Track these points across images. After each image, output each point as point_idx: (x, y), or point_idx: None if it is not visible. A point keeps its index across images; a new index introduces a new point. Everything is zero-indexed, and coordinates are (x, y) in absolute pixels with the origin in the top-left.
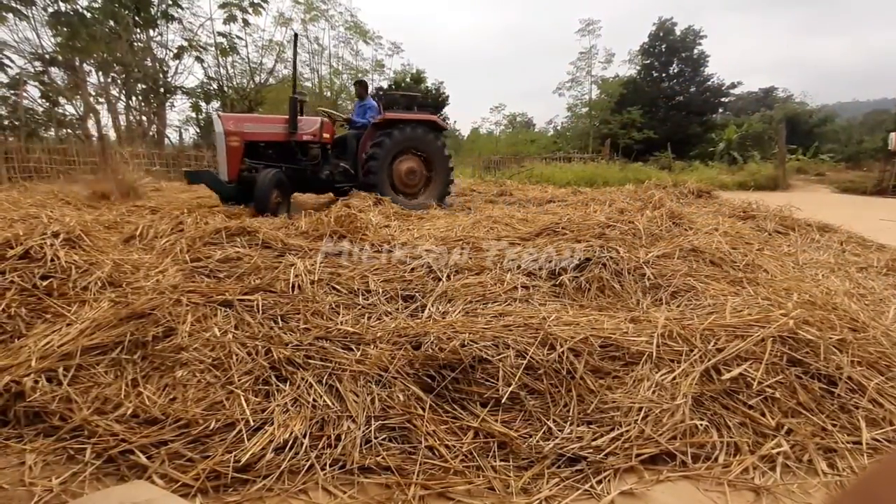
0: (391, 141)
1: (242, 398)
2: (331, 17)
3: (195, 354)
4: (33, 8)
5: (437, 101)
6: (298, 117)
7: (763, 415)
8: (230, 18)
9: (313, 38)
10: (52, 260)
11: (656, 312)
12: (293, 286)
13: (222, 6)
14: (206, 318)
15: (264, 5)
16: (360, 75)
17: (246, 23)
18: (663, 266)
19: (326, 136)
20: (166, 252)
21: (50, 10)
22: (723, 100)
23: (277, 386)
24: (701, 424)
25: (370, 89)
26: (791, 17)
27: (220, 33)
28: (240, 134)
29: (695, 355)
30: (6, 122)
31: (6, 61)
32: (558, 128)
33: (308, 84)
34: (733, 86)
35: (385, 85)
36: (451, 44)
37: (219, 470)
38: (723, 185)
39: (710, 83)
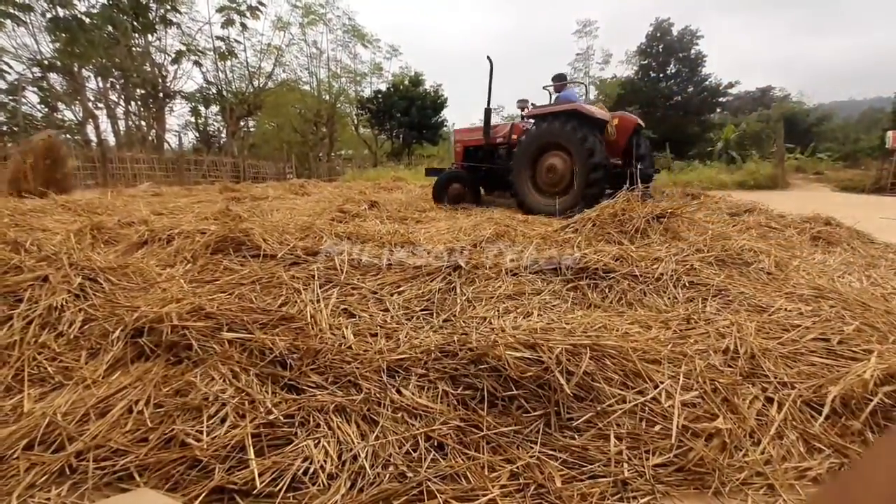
0: (527, 137)
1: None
2: (329, 21)
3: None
4: (32, 14)
5: (435, 104)
6: (495, 123)
7: None
8: (228, 23)
9: (311, 41)
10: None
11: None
12: (312, 318)
13: (220, 10)
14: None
15: (262, 9)
16: (358, 78)
17: (244, 27)
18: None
19: (515, 137)
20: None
21: (48, 15)
22: (720, 99)
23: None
24: None
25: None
26: (787, 17)
27: (218, 37)
28: (461, 141)
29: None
30: (5, 128)
31: (5, 67)
32: None
33: (307, 87)
34: (731, 85)
35: (384, 87)
36: (449, 46)
37: (223, 487)
38: (722, 185)
39: (707, 83)
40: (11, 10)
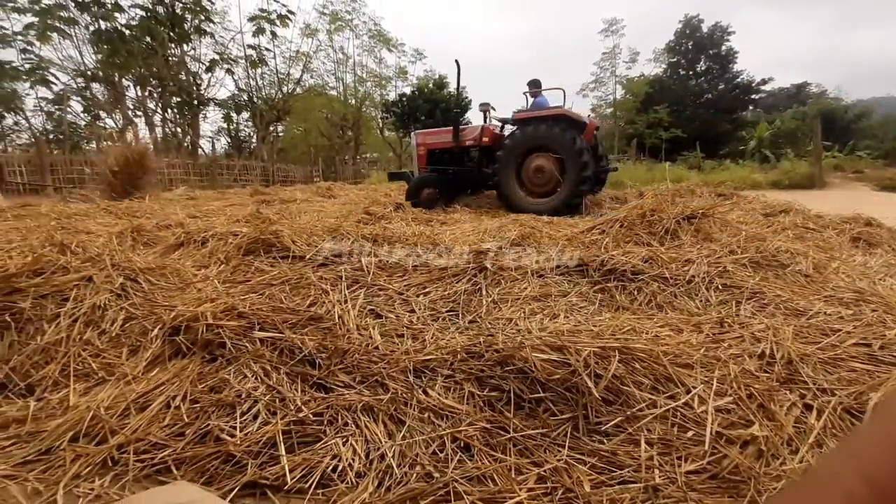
0: (513, 140)
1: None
2: (355, 26)
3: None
4: (76, 27)
5: (459, 106)
6: (464, 126)
7: None
8: (259, 31)
9: (338, 47)
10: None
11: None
12: (340, 318)
13: (251, 19)
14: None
15: (291, 17)
16: (383, 82)
17: (274, 35)
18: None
19: (486, 140)
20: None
21: (91, 28)
22: (753, 97)
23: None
24: None
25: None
26: (824, 11)
27: (249, 46)
28: (424, 144)
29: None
30: (52, 136)
31: (51, 78)
32: None
33: (333, 92)
34: (764, 82)
35: (408, 91)
36: (472, 49)
37: (256, 481)
38: (755, 184)
39: (739, 80)
40: (58, 24)
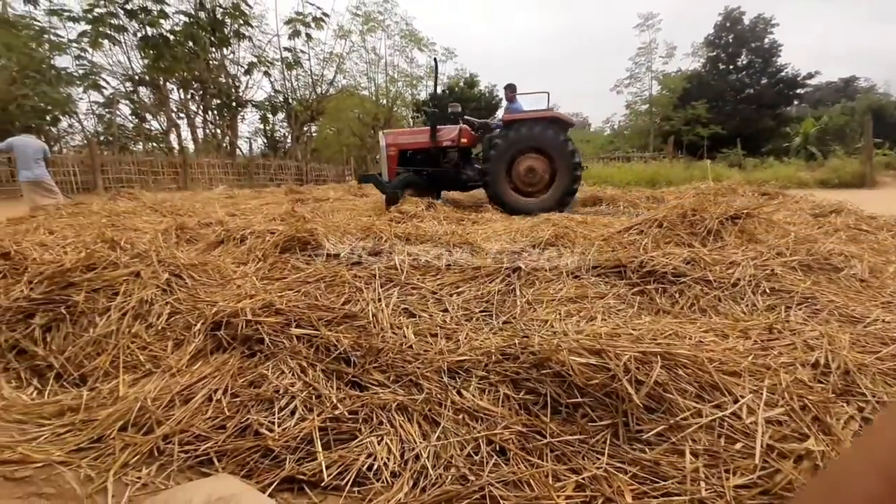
0: (505, 141)
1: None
2: (387, 27)
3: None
4: (125, 34)
5: (490, 104)
6: (440, 126)
7: None
8: (295, 34)
9: (370, 48)
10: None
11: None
12: (374, 316)
13: (288, 23)
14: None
15: (326, 20)
16: (414, 82)
17: (309, 37)
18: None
19: (464, 140)
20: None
21: (139, 35)
22: (798, 91)
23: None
24: None
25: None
26: (873, 1)
27: (285, 48)
28: (395, 145)
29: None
30: (102, 138)
31: (102, 83)
32: (616, 127)
33: (365, 92)
34: (810, 76)
35: (439, 90)
36: (504, 47)
37: (294, 476)
38: (801, 183)
39: (783, 74)
40: (109, 32)
